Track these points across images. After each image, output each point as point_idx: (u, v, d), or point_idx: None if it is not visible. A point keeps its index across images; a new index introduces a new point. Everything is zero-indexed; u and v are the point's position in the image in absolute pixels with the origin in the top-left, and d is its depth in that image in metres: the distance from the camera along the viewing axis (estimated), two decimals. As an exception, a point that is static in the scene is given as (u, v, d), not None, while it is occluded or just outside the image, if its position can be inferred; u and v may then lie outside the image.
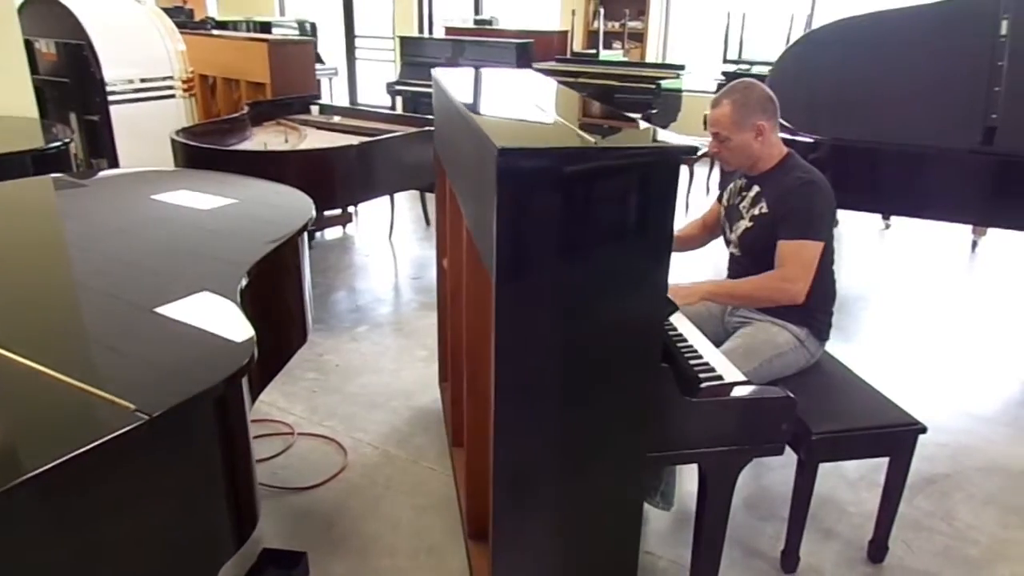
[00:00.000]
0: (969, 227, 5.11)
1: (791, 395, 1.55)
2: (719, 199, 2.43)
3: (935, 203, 3.10)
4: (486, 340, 1.87)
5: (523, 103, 1.92)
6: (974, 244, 5.09)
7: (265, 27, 7.99)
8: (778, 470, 2.54)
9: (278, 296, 1.85)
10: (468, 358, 1.93)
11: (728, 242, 2.34)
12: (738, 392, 1.54)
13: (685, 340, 1.80)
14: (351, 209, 5.39)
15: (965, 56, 2.99)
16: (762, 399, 1.53)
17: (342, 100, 10.30)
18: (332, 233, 5.12)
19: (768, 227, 2.13)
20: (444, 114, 2.25)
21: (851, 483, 2.52)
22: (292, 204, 2.16)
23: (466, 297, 1.87)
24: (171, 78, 4.54)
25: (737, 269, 2.29)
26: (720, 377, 1.64)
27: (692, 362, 1.67)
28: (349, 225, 5.26)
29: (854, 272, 4.70)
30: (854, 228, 5.48)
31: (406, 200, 5.47)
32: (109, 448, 0.90)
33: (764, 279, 2.11)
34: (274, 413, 2.87)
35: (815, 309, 2.18)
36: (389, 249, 4.89)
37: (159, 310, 1.33)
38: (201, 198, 2.22)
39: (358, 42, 10.77)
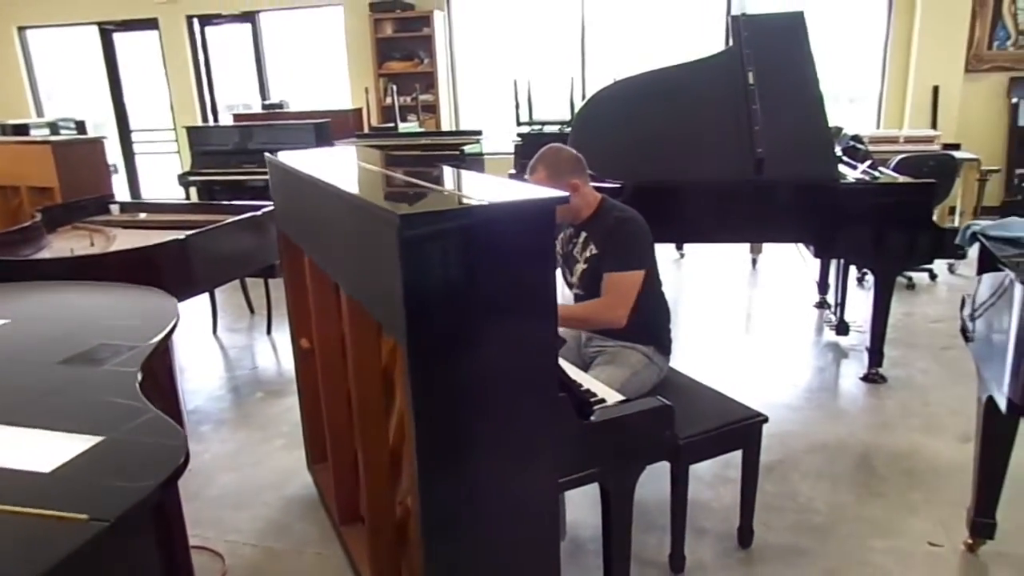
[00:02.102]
0: (747, 248, 5.88)
1: (669, 403, 1.75)
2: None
3: (724, 228, 3.60)
4: (377, 407, 1.92)
5: (372, 173, 2.01)
6: (754, 262, 5.86)
7: (20, 129, 7.29)
8: (646, 485, 2.75)
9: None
10: (361, 429, 1.94)
11: (570, 285, 2.58)
12: (624, 409, 1.71)
13: (570, 376, 1.96)
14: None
15: (727, 103, 3.53)
16: (645, 411, 1.71)
17: (124, 197, 9.63)
18: (147, 336, 4.77)
19: (598, 264, 2.42)
20: (293, 193, 2.28)
21: (708, 484, 2.79)
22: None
23: (353, 366, 1.89)
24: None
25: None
26: (603, 400, 1.81)
27: (580, 388, 1.83)
28: (165, 325, 4.93)
29: (663, 300, 5.23)
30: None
31: (225, 293, 5.25)
32: (77, 563, 0.85)
33: (591, 305, 2.40)
34: (130, 534, 2.62)
35: (656, 327, 2.49)
36: (216, 344, 4.66)
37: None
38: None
39: (135, 136, 10.20)
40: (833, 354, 4.10)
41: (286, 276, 2.69)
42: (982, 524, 2.31)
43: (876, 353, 3.59)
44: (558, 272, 2.65)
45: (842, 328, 4.21)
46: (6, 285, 2.31)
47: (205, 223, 3.67)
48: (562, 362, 2.04)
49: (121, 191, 9.74)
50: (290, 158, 2.37)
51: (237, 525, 2.66)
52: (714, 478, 2.83)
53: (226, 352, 4.54)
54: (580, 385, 1.87)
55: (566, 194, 1.48)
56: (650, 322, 2.43)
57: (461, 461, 1.49)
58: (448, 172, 1.87)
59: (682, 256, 6.15)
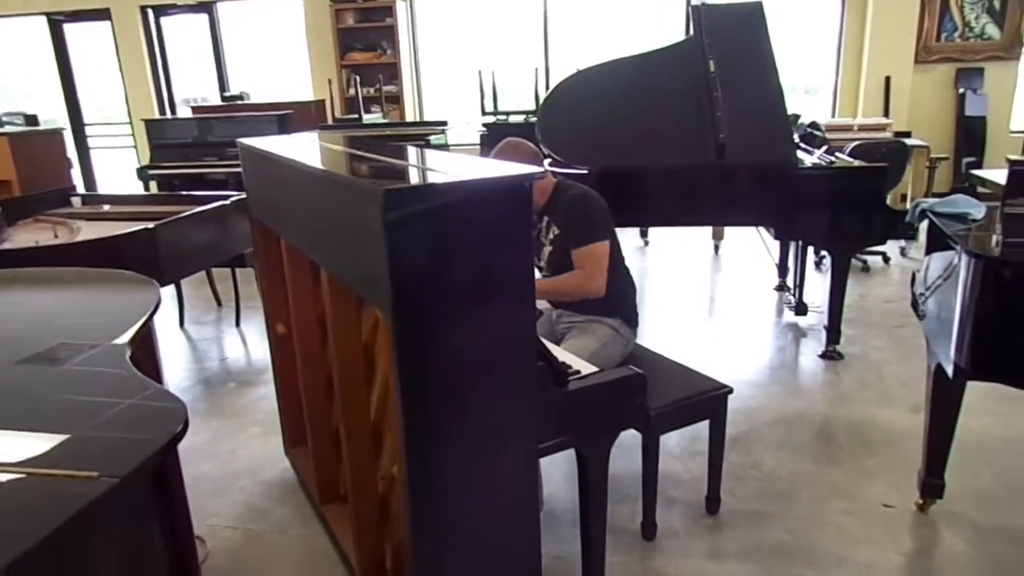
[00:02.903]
0: (709, 235, 6.03)
1: (641, 372, 1.84)
2: None
3: (687, 211, 3.70)
4: (359, 382, 1.97)
5: (347, 154, 2.05)
6: (716, 248, 6.01)
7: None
8: (617, 459, 2.84)
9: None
10: (343, 405, 1.99)
11: (539, 269, 2.66)
12: (599, 378, 1.79)
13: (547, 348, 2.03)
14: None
15: (688, 90, 3.63)
16: (620, 379, 1.80)
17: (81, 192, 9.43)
18: (113, 330, 4.72)
19: (563, 244, 2.51)
20: (268, 177, 2.31)
21: (677, 456, 2.90)
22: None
23: (335, 343, 1.94)
24: None
25: None
26: (577, 372, 1.89)
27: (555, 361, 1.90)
28: (131, 319, 4.88)
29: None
30: (618, 249, 6.21)
31: (190, 286, 5.21)
32: (89, 517, 0.90)
33: (569, 277, 2.48)
34: (108, 521, 2.62)
35: (621, 300, 2.60)
36: (184, 338, 4.64)
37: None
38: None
39: (89, 130, 9.98)
40: (793, 334, 4.25)
41: (260, 263, 2.71)
42: (932, 485, 2.45)
43: (833, 331, 3.74)
44: None
45: (801, 309, 4.37)
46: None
47: (170, 214, 3.65)
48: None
49: (76, 187, 9.54)
50: (263, 143, 2.40)
51: (216, 510, 2.68)
52: (683, 451, 2.93)
53: (195, 344, 4.52)
54: (553, 356, 1.94)
55: (543, 169, 1.54)
56: (615, 296, 2.53)
57: (446, 429, 1.55)
58: (420, 152, 1.92)
59: (646, 244, 6.27)
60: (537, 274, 2.73)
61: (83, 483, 0.94)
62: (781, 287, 4.83)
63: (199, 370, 4.12)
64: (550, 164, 3.72)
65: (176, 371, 4.07)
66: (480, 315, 1.52)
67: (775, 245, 4.85)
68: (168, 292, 4.85)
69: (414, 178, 1.58)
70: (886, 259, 5.45)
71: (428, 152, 1.95)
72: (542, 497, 2.35)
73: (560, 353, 2.03)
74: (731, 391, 2.41)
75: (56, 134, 4.71)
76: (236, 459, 3.06)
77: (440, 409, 1.54)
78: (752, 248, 5.78)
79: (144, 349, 1.86)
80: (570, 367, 1.90)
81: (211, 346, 4.48)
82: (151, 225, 3.21)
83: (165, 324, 4.78)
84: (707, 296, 5.16)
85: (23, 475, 1.00)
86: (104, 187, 9.97)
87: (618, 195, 3.67)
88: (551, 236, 2.56)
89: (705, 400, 2.36)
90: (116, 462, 1.00)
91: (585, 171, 3.58)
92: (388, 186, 1.37)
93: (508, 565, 1.73)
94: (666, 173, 3.60)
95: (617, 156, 3.65)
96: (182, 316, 4.82)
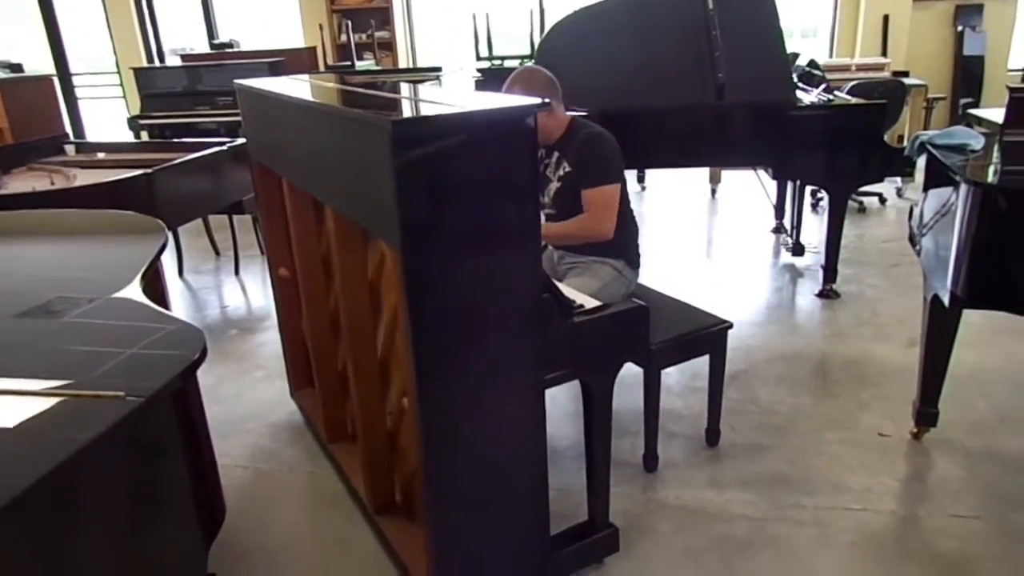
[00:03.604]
0: (707, 179, 6.02)
1: (644, 304, 1.86)
2: None
3: (687, 152, 3.70)
4: (366, 319, 2.00)
5: (347, 92, 2.04)
6: (713, 192, 6.00)
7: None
8: (618, 396, 2.89)
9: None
10: (351, 343, 2.01)
11: (542, 206, 2.65)
12: (604, 310, 1.82)
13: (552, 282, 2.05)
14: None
15: (687, 29, 3.58)
16: (624, 311, 1.82)
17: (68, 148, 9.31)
18: (112, 280, 4.73)
19: (573, 182, 2.49)
20: (269, 117, 2.29)
21: (677, 394, 2.95)
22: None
23: (341, 281, 1.96)
24: None
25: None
26: (581, 306, 1.91)
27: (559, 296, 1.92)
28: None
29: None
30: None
31: (187, 237, 5.20)
32: (115, 436, 0.92)
33: (578, 221, 2.48)
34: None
35: (625, 242, 2.60)
36: (184, 287, 4.65)
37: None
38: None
39: (76, 80, 9.78)
40: (790, 274, 4.29)
41: (261, 207, 2.70)
42: (926, 413, 2.51)
43: (830, 270, 3.78)
44: None
45: (798, 249, 4.39)
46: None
47: (166, 161, 3.62)
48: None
49: (69, 134, 9.41)
50: (261, 83, 2.37)
51: (225, 451, 2.73)
52: (683, 389, 2.99)
53: (195, 293, 4.53)
54: (559, 291, 1.96)
55: (547, 100, 1.54)
56: (620, 238, 2.54)
57: (455, 361, 1.58)
58: (413, 88, 1.91)
59: (643, 189, 6.26)
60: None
61: (111, 403, 0.97)
62: (778, 229, 4.84)
63: (200, 318, 4.14)
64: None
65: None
66: (488, 246, 1.54)
67: (772, 187, 4.85)
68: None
69: (419, 111, 1.57)
70: (882, 200, 5.46)
71: (425, 87, 1.94)
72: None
73: (564, 289, 2.05)
74: (731, 326, 2.45)
75: (45, 80, 4.64)
76: (242, 403, 3.11)
77: (449, 341, 1.57)
78: (749, 191, 5.77)
79: (153, 290, 1.88)
80: (575, 301, 1.92)
81: (211, 295, 4.49)
82: (149, 171, 3.19)
83: (166, 274, 4.78)
84: (704, 239, 5.18)
85: (55, 397, 1.03)
86: (94, 138, 9.83)
87: (617, 137, 3.68)
88: (561, 173, 2.53)
89: (705, 335, 2.40)
90: (139, 385, 1.03)
91: (584, 113, 3.55)
92: (395, 117, 1.37)
93: (517, 490, 1.78)
94: (665, 114, 3.58)
95: (615, 97, 3.61)
96: (181, 266, 4.82)
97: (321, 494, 2.46)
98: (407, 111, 1.56)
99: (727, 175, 6.17)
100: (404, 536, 2.04)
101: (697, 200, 5.98)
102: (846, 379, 3.02)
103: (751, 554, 2.09)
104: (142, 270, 1.50)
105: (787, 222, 4.72)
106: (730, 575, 2.02)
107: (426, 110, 1.51)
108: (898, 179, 5.56)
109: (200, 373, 3.46)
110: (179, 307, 4.30)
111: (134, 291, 1.45)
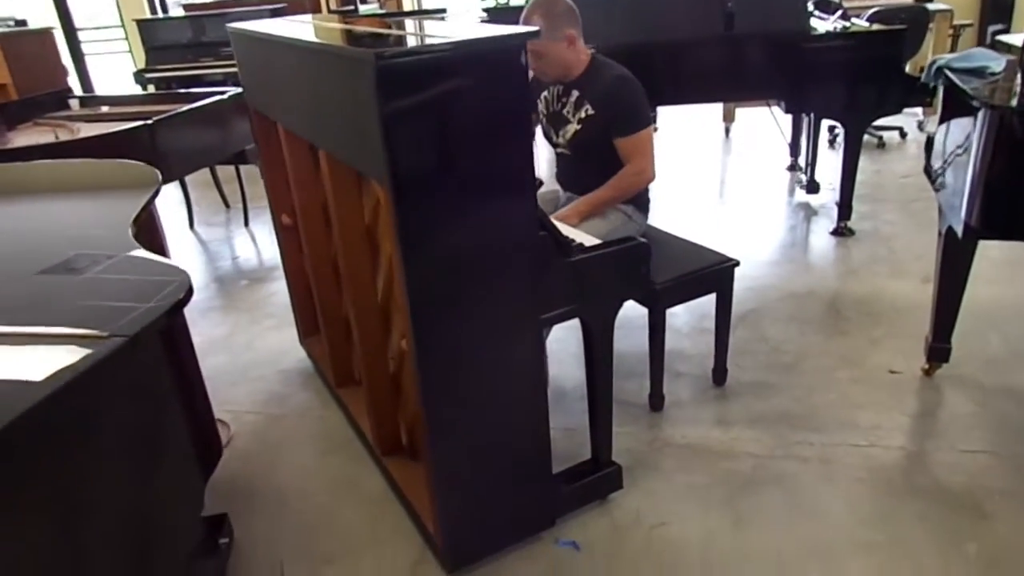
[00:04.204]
0: (719, 117, 5.88)
1: (644, 241, 1.83)
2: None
3: (697, 88, 3.60)
4: (364, 265, 1.98)
5: (337, 29, 1.98)
6: (727, 130, 5.87)
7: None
8: (625, 338, 2.88)
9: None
10: (350, 289, 2.00)
11: (556, 145, 2.57)
12: (603, 247, 1.79)
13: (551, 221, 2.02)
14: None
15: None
16: (624, 248, 1.79)
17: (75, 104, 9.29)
18: (124, 234, 4.75)
19: (597, 127, 2.36)
20: (260, 61, 2.25)
21: (685, 334, 2.93)
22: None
23: (338, 227, 1.94)
24: None
25: (567, 168, 2.57)
26: (580, 244, 1.88)
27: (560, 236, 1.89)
28: (141, 223, 4.91)
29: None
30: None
31: (197, 189, 5.20)
32: (99, 376, 0.92)
33: (621, 179, 2.36)
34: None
35: None
36: (195, 240, 4.66)
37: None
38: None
39: (81, 35, 9.69)
40: (804, 212, 4.20)
41: (261, 153, 2.67)
42: (938, 349, 2.47)
43: (845, 207, 3.69)
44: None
45: (812, 187, 4.30)
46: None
47: (169, 112, 3.59)
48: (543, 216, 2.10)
49: (73, 89, 9.37)
50: (253, 25, 2.32)
51: (238, 398, 2.77)
52: (691, 329, 2.96)
53: (206, 246, 4.55)
54: (560, 232, 1.93)
55: (535, 28, 1.49)
56: None
57: (450, 302, 1.57)
58: (417, 22, 1.85)
59: (655, 129, 6.13)
60: (549, 152, 2.63)
61: (93, 342, 0.96)
62: (793, 167, 4.74)
63: (212, 270, 4.16)
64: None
65: (190, 272, 4.10)
66: (480, 182, 1.50)
67: (788, 124, 4.72)
68: (176, 195, 4.86)
69: (407, 42, 1.52)
70: (903, 134, 5.31)
71: (422, 23, 1.88)
72: (546, 374, 2.39)
73: (565, 229, 2.02)
74: (737, 264, 2.40)
75: (46, 33, 4.58)
76: (253, 351, 3.14)
77: (443, 282, 1.55)
78: (763, 129, 5.64)
79: (150, 237, 1.87)
80: (574, 240, 1.89)
81: (222, 246, 4.50)
82: (150, 121, 3.17)
83: (175, 227, 4.80)
84: (718, 179, 5.08)
85: (35, 335, 1.03)
86: (102, 93, 9.79)
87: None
88: (582, 115, 2.39)
89: (711, 273, 2.36)
90: (125, 325, 1.02)
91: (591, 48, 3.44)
92: (379, 50, 1.33)
93: (517, 428, 1.79)
94: (673, 48, 3.47)
95: (622, 32, 3.51)
96: (191, 218, 4.83)
97: (331, 437, 2.49)
98: (395, 45, 1.51)
99: (741, 113, 6.02)
100: (410, 477, 2.06)
101: (710, 140, 5.85)
102: (858, 317, 2.97)
103: (755, 490, 2.09)
104: (133, 216, 1.49)
105: (802, 160, 4.60)
106: (733, 510, 2.02)
107: (414, 42, 1.46)
108: (919, 111, 5.38)
109: (213, 324, 3.51)
110: (191, 259, 4.32)
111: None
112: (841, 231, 3.73)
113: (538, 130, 2.67)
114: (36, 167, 2.27)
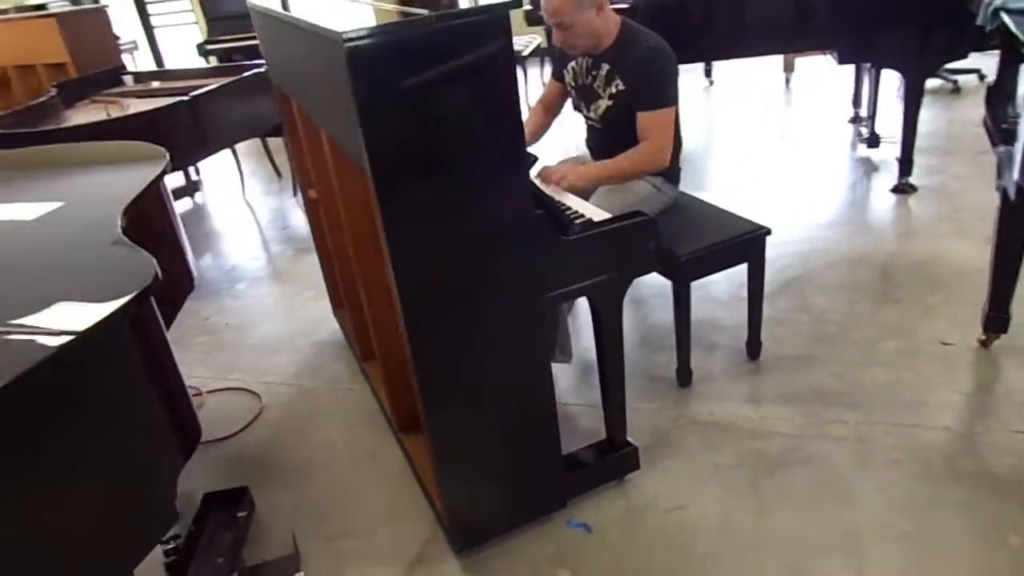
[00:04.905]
0: (780, 68, 5.56)
1: (651, 216, 1.73)
2: (557, 78, 2.48)
3: (745, 40, 3.38)
4: (371, 246, 1.96)
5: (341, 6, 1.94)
6: (787, 81, 5.55)
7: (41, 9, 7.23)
8: (663, 308, 2.79)
9: (157, 241, 1.84)
10: (360, 267, 1.99)
11: (587, 118, 2.42)
12: (605, 224, 1.71)
13: (552, 198, 1.95)
14: (196, 178, 5.17)
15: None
16: (627, 225, 1.70)
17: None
18: (182, 206, 4.90)
19: (628, 102, 2.22)
20: (275, 38, 2.22)
21: (723, 303, 2.81)
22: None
23: (343, 209, 1.92)
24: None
25: (599, 140, 2.42)
26: (588, 219, 1.80)
27: (567, 211, 1.83)
28: (197, 195, 5.06)
29: (691, 129, 5.06)
30: (681, 90, 5.83)
31: (251, 159, 5.30)
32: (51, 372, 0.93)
33: (636, 154, 2.20)
34: (176, 383, 2.83)
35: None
36: (247, 208, 4.76)
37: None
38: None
39: (151, 8, 9.95)
40: (864, 168, 3.95)
41: (286, 128, 2.68)
42: (996, 318, 2.29)
43: (906, 162, 3.44)
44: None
45: (873, 141, 4.02)
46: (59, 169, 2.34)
47: (211, 86, 3.65)
48: (556, 191, 2.03)
49: (146, 67, 9.68)
50: (265, 3, 2.29)
51: (273, 368, 2.84)
52: (730, 297, 2.84)
53: (257, 215, 4.64)
54: (563, 205, 1.86)
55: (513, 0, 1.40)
56: None
57: (443, 285, 1.53)
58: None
59: (711, 84, 5.85)
60: (582, 127, 2.51)
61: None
62: (855, 119, 4.44)
63: (262, 239, 4.25)
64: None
65: (243, 240, 4.22)
66: (466, 163, 1.45)
67: (851, 73, 4.42)
68: (229, 164, 4.95)
69: (381, 18, 1.46)
70: (981, 77, 4.87)
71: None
72: (571, 350, 2.34)
73: (574, 202, 1.94)
74: (768, 232, 2.26)
75: (100, 12, 4.68)
76: (294, 321, 3.20)
77: (435, 267, 1.51)
78: (825, 79, 5.31)
79: (161, 219, 1.90)
80: (577, 213, 1.82)
81: (274, 215, 4.58)
82: (186, 97, 3.22)
83: (229, 196, 4.92)
84: (776, 133, 4.82)
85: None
86: (172, 66, 10.05)
87: (666, 29, 3.40)
88: (613, 90, 2.24)
89: (740, 243, 2.23)
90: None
91: (627, 5, 3.29)
92: (348, 31, 1.27)
93: (522, 410, 1.75)
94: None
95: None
96: (244, 187, 4.93)
97: (357, 410, 2.52)
98: (371, 21, 1.45)
99: (802, 63, 5.67)
100: (424, 453, 2.05)
101: (770, 91, 5.54)
102: (912, 283, 2.78)
103: (782, 472, 2.00)
104: (123, 206, 1.50)
105: (864, 111, 4.30)
106: (757, 493, 1.94)
107: (387, 19, 1.40)
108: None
109: (261, 293, 3.58)
110: (243, 228, 4.42)
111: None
112: (902, 188, 3.49)
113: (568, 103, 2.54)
114: (64, 150, 2.34)
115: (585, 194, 2.40)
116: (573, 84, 2.41)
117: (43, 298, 1.15)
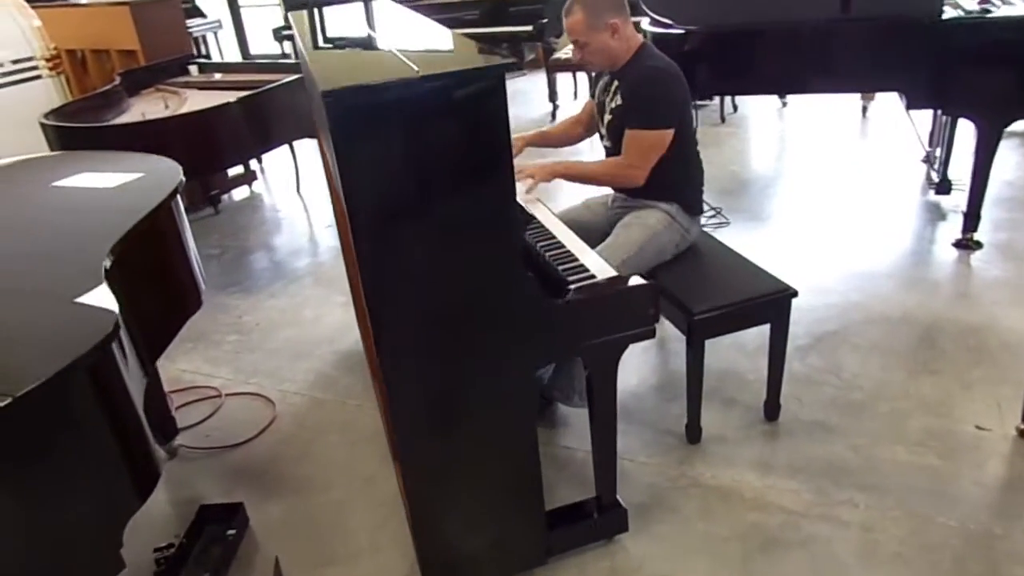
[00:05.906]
0: (858, 96, 5.30)
1: (653, 282, 1.66)
2: (591, 95, 2.52)
3: (804, 77, 3.22)
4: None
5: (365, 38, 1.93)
6: (864, 109, 5.29)
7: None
8: (676, 356, 2.70)
9: (160, 264, 1.88)
10: (356, 293, 1.99)
11: (601, 136, 2.45)
12: (603, 288, 1.64)
13: (560, 246, 1.89)
14: (255, 167, 5.29)
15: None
16: (625, 289, 1.64)
17: (232, 53, 9.87)
18: (239, 194, 5.04)
19: (623, 117, 2.25)
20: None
21: (748, 354, 2.69)
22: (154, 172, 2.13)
23: (341, 233, 1.92)
24: (32, 58, 4.29)
25: (608, 157, 2.43)
26: (593, 276, 1.74)
27: (566, 265, 1.77)
28: (255, 183, 5.18)
29: (758, 153, 4.89)
30: (754, 111, 5.63)
31: (311, 151, 5.39)
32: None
33: (607, 163, 2.31)
34: (199, 380, 2.90)
35: (682, 185, 2.35)
36: (299, 201, 4.85)
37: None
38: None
39: (238, -8, 10.23)
40: (930, 215, 3.72)
41: (320, 144, 2.70)
42: (1036, 410, 2.12)
43: (972, 216, 3.22)
44: None
45: (943, 187, 3.79)
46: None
47: (272, 82, 3.72)
48: (564, 234, 1.98)
49: (230, 47, 9.96)
50: (302, 20, 2.30)
51: (291, 376, 2.88)
52: (756, 349, 2.70)
53: (308, 211, 4.72)
54: (572, 258, 1.80)
55: (511, 60, 1.35)
56: (675, 180, 2.30)
57: (423, 346, 1.51)
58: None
59: (784, 105, 5.62)
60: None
61: None
62: (928, 159, 4.19)
63: (307, 235, 4.32)
64: (649, 23, 3.35)
65: (290, 236, 4.30)
66: (451, 226, 1.42)
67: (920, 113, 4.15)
68: (286, 159, 5.04)
69: (371, 73, 1.44)
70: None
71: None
72: (578, 397, 2.28)
73: (583, 254, 1.87)
74: (795, 294, 2.15)
75: (172, 1, 4.82)
76: (319, 327, 3.23)
77: (414, 328, 1.49)
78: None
79: (170, 238, 1.93)
80: (583, 271, 1.76)
81: (323, 213, 4.65)
82: (232, 99, 3.29)
83: (283, 189, 5.02)
84: (844, 167, 4.59)
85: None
86: (255, 48, 10.33)
87: (721, 60, 3.28)
88: (614, 105, 2.29)
89: (762, 304, 2.13)
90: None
91: (682, 31, 3.18)
92: (328, 86, 1.26)
93: (504, 469, 1.72)
94: (780, 33, 3.12)
95: (724, 13, 3.20)
96: (298, 182, 5.02)
97: (363, 429, 2.53)
98: (358, 75, 1.44)
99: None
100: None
101: (845, 120, 5.29)
102: (955, 352, 2.60)
103: (776, 553, 1.90)
104: (113, 241, 1.53)
105: (940, 152, 4.05)
106: (745, 570, 1.85)
107: (375, 75, 1.37)
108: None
109: (294, 293, 3.64)
110: (293, 224, 4.50)
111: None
112: (964, 243, 3.27)
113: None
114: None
115: (605, 228, 2.36)
116: (597, 101, 2.45)
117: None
